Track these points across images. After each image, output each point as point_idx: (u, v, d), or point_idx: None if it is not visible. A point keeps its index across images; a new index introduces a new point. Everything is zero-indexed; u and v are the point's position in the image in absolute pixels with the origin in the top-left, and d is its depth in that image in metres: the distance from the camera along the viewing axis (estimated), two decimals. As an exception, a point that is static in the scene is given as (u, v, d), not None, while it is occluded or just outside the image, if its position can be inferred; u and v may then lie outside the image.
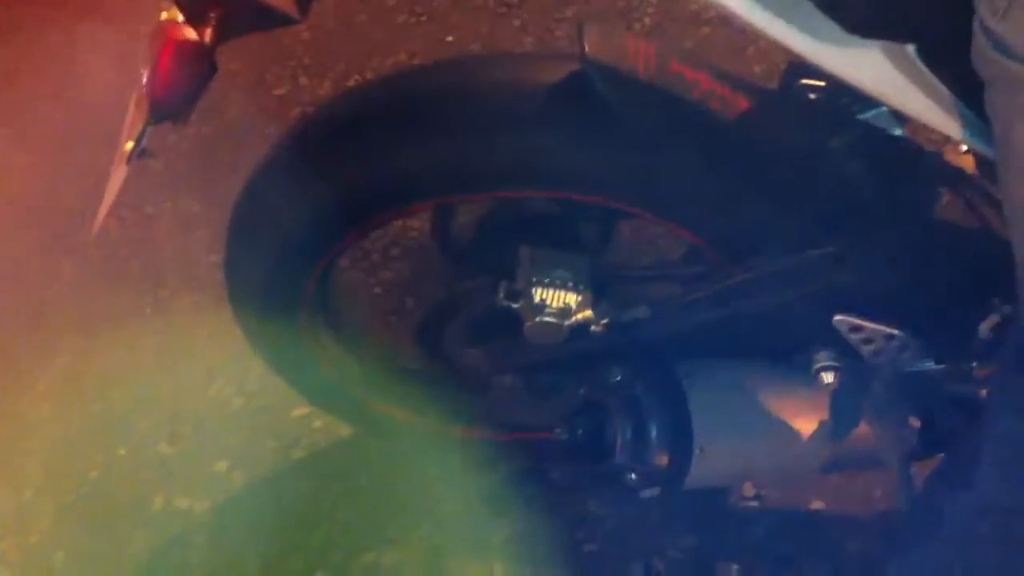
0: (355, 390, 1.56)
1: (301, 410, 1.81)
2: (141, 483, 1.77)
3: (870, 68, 0.96)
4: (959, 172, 1.22)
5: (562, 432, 1.26)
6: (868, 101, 1.19)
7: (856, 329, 1.16)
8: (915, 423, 1.30)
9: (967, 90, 0.92)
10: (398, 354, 1.60)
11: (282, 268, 1.34)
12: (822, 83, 1.27)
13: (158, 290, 2.04)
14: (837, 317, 1.15)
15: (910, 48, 0.95)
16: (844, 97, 1.23)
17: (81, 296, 2.05)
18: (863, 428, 1.26)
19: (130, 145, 1.08)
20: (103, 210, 1.14)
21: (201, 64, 0.97)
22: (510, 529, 1.64)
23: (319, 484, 1.74)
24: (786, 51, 1.05)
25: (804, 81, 1.28)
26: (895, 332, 1.15)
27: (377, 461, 1.74)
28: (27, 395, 1.91)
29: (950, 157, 1.27)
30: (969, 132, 0.98)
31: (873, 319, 1.15)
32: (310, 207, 1.24)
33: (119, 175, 1.12)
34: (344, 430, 1.77)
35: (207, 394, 1.87)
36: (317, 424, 1.81)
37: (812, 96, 1.27)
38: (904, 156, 1.18)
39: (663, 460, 1.19)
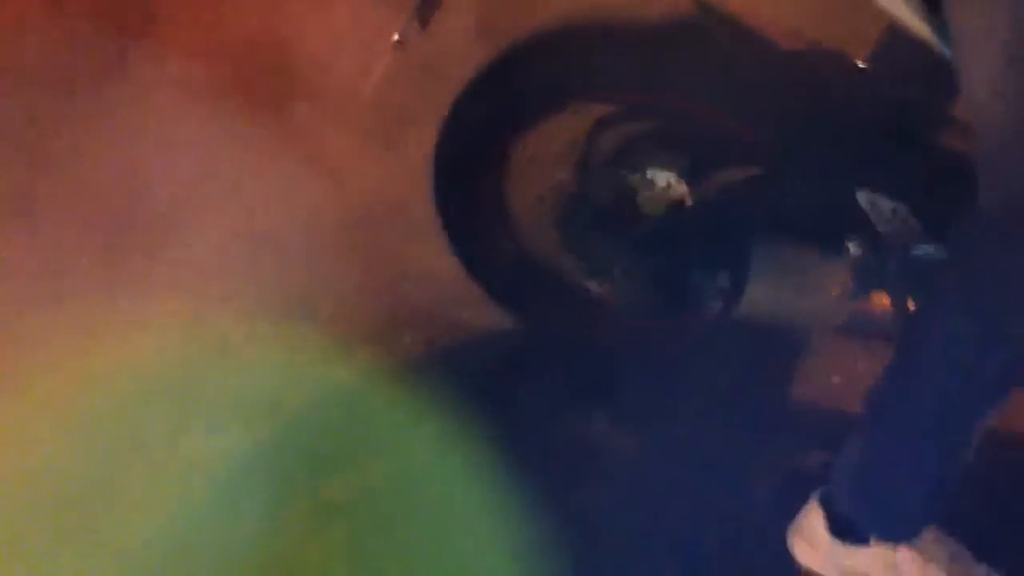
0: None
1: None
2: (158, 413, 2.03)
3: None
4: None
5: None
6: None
7: (871, 201, 1.64)
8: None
9: None
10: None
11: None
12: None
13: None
14: (860, 192, 1.63)
15: None
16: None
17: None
18: (876, 297, 1.73)
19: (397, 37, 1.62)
20: (373, 83, 1.67)
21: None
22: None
23: (340, 429, 2.03)
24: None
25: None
26: (898, 205, 1.63)
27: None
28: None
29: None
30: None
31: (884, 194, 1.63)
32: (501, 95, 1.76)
33: (385, 63, 1.66)
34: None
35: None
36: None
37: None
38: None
39: (725, 281, 1.67)
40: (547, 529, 1.79)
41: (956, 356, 1.45)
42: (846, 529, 1.66)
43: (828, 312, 1.73)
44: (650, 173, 1.78)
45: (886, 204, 1.63)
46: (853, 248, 1.67)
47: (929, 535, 1.65)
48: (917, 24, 1.43)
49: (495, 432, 1.88)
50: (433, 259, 1.98)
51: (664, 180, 1.77)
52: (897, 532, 1.63)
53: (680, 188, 1.76)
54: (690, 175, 1.76)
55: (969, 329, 1.42)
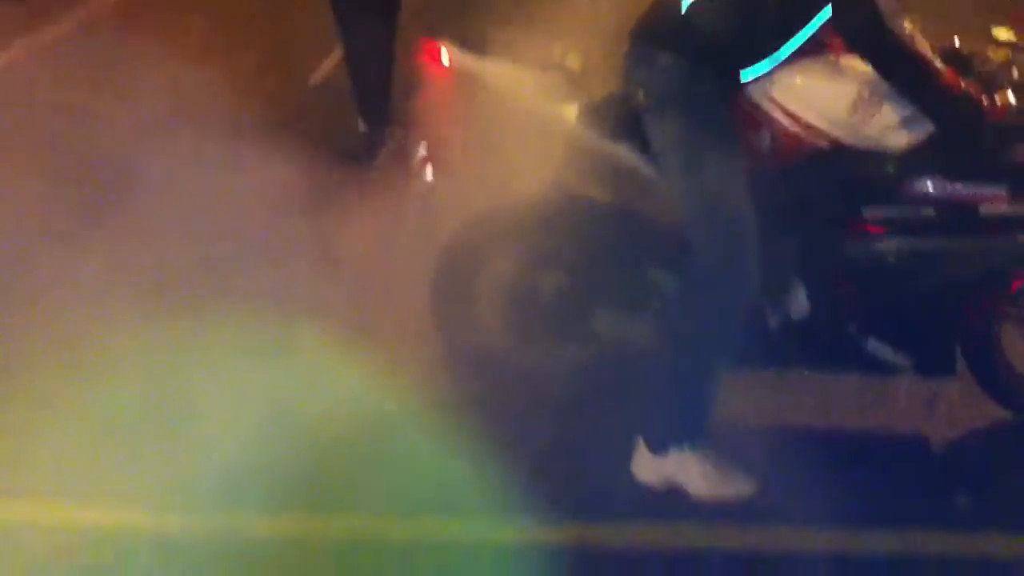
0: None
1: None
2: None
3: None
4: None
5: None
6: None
7: (654, 274, 3.26)
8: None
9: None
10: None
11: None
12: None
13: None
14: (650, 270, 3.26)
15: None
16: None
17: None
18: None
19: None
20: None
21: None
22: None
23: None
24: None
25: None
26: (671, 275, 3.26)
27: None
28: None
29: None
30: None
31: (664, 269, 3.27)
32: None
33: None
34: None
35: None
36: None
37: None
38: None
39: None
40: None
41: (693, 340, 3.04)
42: (658, 447, 3.09)
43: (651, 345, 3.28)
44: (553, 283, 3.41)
45: (665, 276, 3.24)
46: (655, 303, 3.25)
47: (701, 445, 3.09)
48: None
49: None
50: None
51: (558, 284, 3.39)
52: (681, 439, 3.07)
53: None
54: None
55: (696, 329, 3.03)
